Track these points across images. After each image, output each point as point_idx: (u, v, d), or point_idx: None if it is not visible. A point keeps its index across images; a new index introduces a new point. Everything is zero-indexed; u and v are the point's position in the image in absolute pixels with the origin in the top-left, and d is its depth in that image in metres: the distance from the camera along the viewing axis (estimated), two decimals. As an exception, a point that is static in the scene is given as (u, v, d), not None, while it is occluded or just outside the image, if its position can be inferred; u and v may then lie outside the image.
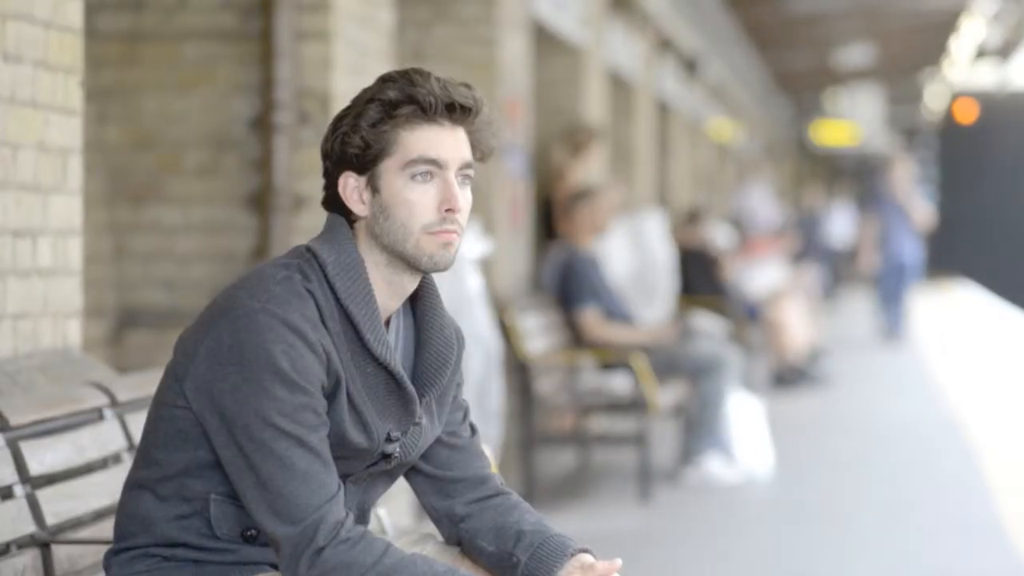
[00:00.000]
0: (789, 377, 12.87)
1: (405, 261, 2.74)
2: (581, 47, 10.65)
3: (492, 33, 8.13)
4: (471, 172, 2.76)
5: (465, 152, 2.75)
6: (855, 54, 23.49)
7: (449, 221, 2.72)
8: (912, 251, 16.97)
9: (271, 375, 2.62)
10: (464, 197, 2.75)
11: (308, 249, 2.75)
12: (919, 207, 17.14)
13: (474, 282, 6.66)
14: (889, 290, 17.02)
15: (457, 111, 2.73)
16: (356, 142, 2.72)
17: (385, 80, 2.74)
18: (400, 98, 2.71)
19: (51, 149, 3.96)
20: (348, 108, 2.75)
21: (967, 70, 28.22)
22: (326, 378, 2.67)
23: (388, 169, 2.72)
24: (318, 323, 2.67)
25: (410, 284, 2.78)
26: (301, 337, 2.64)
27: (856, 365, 14.99)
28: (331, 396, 2.68)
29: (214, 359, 2.64)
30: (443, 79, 2.74)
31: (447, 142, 2.73)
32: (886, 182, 17.25)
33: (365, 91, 2.75)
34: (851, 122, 32.39)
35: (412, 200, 2.72)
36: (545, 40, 10.05)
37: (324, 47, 5.91)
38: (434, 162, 2.72)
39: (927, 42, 23.86)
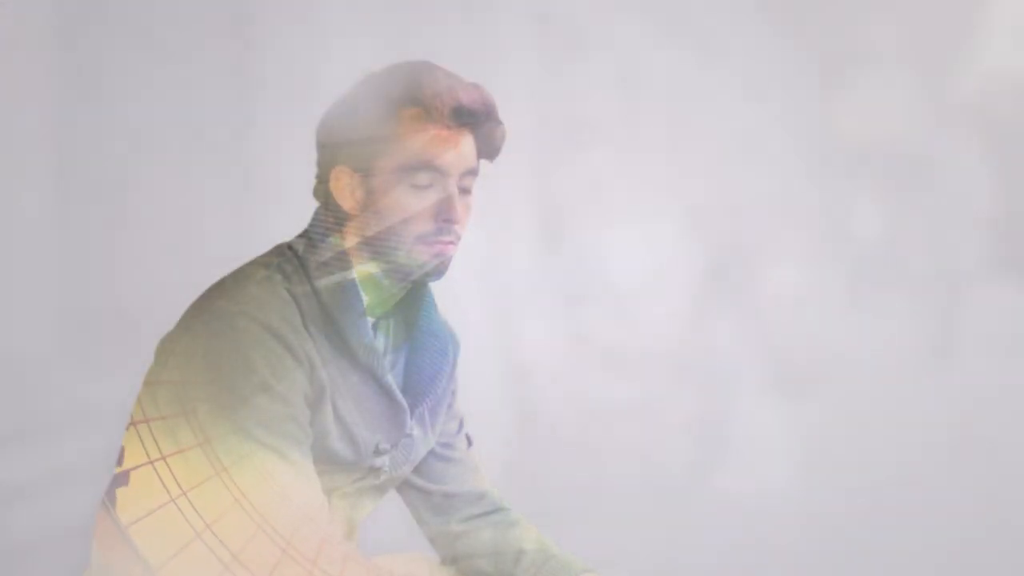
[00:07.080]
0: (798, 383, 12.85)
1: (395, 268, 2.73)
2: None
3: (491, 17, 8.13)
4: (474, 178, 2.73)
5: (470, 158, 2.71)
6: (881, 36, 23.48)
7: (446, 232, 2.69)
8: (970, 248, 15.96)
9: (250, 383, 2.61)
10: (464, 205, 2.72)
11: (290, 247, 2.73)
12: (979, 196, 16.01)
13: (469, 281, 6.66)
14: (943, 291, 15.95)
15: (465, 115, 2.68)
16: (352, 137, 2.69)
17: (389, 73, 2.69)
18: (404, 97, 2.66)
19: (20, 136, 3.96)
20: (346, 96, 2.71)
21: (1006, 51, 28.19)
22: (309, 387, 2.65)
23: (385, 170, 2.68)
24: (300, 328, 2.65)
25: (400, 289, 2.77)
26: (282, 343, 2.62)
27: (887, 369, 14.96)
28: (314, 406, 2.67)
29: (189, 366, 2.64)
30: (452, 78, 2.69)
31: (451, 148, 2.68)
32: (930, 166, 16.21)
33: (367, 80, 2.71)
34: (878, 108, 32.40)
35: (408, 207, 2.68)
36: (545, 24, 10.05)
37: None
38: (435, 169, 2.68)
39: (959, 22, 23.86)
